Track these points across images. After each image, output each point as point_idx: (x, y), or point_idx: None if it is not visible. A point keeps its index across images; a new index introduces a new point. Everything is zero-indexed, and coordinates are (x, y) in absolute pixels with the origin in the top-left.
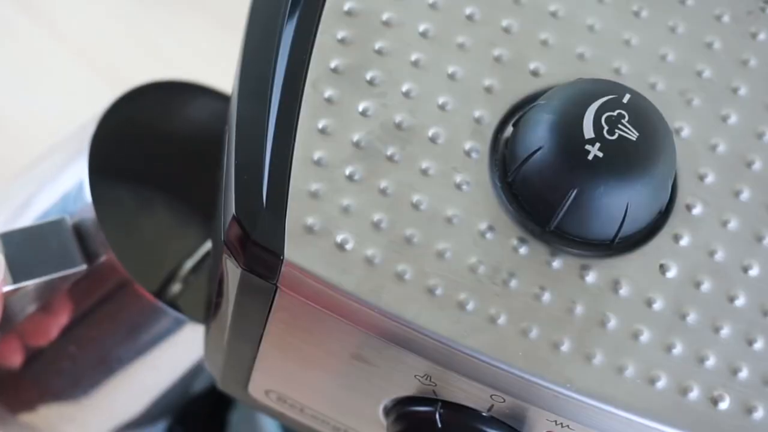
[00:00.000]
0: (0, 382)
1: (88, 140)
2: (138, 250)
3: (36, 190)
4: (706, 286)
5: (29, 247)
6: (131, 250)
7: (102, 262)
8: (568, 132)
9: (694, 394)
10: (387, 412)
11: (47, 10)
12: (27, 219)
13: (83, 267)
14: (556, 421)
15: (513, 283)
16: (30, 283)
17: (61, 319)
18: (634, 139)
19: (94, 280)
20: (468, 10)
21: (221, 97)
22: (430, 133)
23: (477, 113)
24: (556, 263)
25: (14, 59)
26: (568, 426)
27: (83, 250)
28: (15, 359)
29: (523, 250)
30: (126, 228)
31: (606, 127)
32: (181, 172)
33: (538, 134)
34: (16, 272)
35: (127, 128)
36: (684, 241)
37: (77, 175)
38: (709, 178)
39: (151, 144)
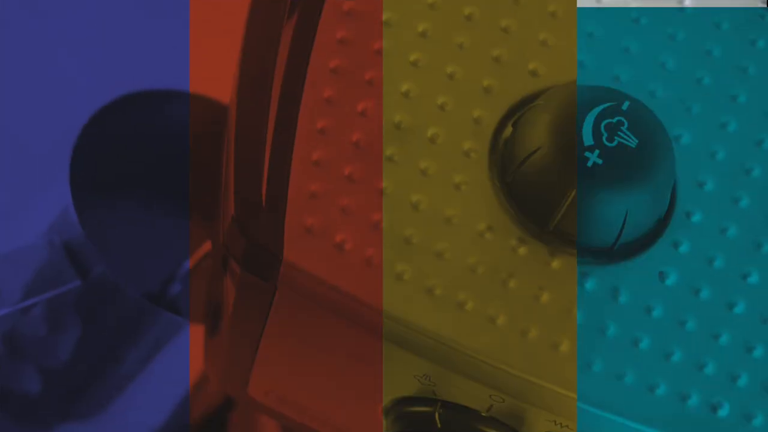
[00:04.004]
0: (20, 407)
1: (68, 156)
2: (132, 256)
3: (22, 210)
4: (705, 294)
5: (20, 270)
6: (124, 257)
7: (96, 275)
8: (566, 133)
9: (693, 401)
10: (386, 412)
11: (47, 10)
12: (18, 240)
13: (77, 283)
14: (555, 422)
15: (512, 283)
16: (24, 305)
17: (72, 338)
18: (634, 146)
19: (94, 293)
20: (467, 10)
21: (196, 98)
22: (429, 133)
23: (476, 113)
24: (556, 264)
25: (14, 59)
26: (567, 426)
27: (76, 266)
28: (33, 385)
29: (522, 250)
30: (117, 235)
31: (605, 134)
32: (166, 175)
33: (537, 135)
34: (9, 296)
35: (107, 140)
36: (683, 249)
37: (61, 191)
38: (709, 186)
39: (133, 151)
